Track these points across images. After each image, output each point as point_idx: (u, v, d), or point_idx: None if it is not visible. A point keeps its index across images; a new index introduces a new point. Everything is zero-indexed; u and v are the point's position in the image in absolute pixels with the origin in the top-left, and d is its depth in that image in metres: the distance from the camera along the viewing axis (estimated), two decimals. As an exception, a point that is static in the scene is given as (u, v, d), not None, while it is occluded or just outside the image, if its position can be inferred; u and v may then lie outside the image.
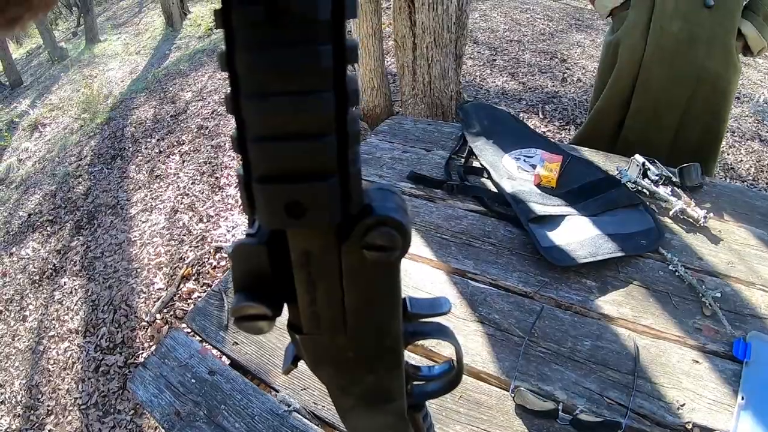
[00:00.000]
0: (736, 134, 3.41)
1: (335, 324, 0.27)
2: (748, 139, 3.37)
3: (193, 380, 0.99)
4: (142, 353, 2.29)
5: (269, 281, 0.24)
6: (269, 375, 0.97)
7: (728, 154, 3.24)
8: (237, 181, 0.22)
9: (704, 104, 1.70)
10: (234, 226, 2.91)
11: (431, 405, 0.91)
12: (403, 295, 0.29)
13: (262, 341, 1.03)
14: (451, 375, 0.37)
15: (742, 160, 3.20)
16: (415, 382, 0.37)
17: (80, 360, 2.37)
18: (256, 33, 0.18)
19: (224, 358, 1.05)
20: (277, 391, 0.94)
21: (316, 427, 0.89)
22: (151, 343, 2.31)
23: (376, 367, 0.31)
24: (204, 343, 1.07)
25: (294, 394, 0.93)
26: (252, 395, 0.94)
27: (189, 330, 1.11)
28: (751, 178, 3.07)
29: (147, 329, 2.39)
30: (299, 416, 0.90)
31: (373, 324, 0.28)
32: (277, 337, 1.03)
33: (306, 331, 0.27)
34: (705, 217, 1.24)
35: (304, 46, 0.18)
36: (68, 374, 2.33)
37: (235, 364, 1.01)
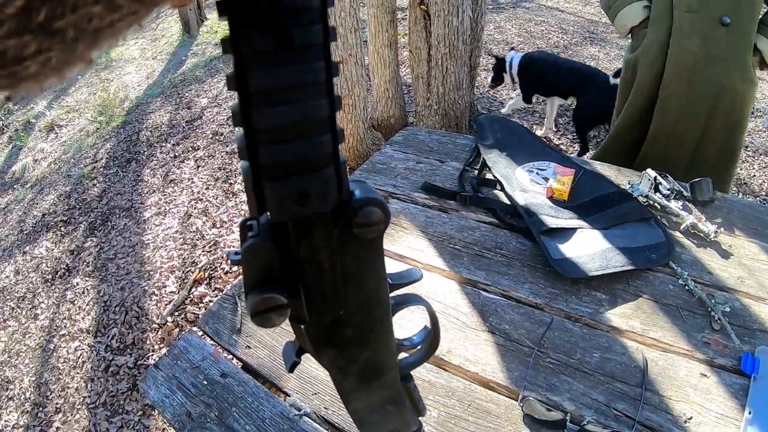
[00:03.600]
0: (749, 149, 3.39)
1: (336, 301, 0.31)
2: (761, 154, 3.35)
3: (205, 382, 1.00)
4: (152, 355, 2.31)
5: (279, 274, 0.28)
6: (281, 379, 0.99)
7: (741, 169, 3.22)
8: (244, 186, 0.26)
9: (723, 120, 1.71)
10: (247, 231, 2.94)
11: (441, 412, 0.92)
12: None
13: (274, 345, 1.04)
14: (430, 338, 0.41)
15: (755, 175, 3.19)
16: (401, 355, 0.40)
17: (90, 359, 2.39)
18: (266, 58, 0.22)
19: (236, 361, 1.06)
20: (288, 395, 0.96)
21: (325, 431, 0.90)
22: (161, 346, 2.33)
23: (371, 340, 0.35)
24: (217, 347, 1.08)
25: (305, 399, 0.95)
26: (263, 398, 0.96)
27: (202, 333, 1.13)
28: (764, 193, 3.05)
29: (158, 332, 2.41)
30: (309, 420, 0.92)
31: (366, 295, 0.32)
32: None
33: (309, 318, 0.31)
34: (715, 232, 1.24)
35: (305, 65, 0.23)
36: (78, 373, 2.35)
37: (247, 367, 1.03)
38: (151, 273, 2.78)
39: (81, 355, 2.43)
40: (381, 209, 0.27)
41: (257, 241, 0.27)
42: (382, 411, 0.41)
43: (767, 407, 0.93)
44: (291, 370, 0.36)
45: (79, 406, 2.20)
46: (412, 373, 0.41)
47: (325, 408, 0.94)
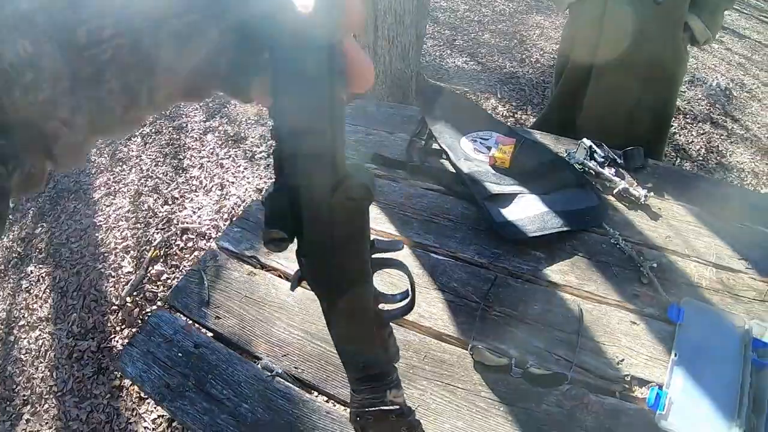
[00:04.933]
0: (688, 116, 3.53)
1: (329, 250, 0.40)
2: (699, 122, 3.50)
3: (179, 354, 1.06)
4: (114, 337, 2.31)
5: (287, 217, 0.37)
6: (251, 345, 1.05)
7: (680, 136, 3.36)
8: (272, 160, 0.35)
9: (654, 94, 1.81)
10: (199, 207, 2.91)
11: (400, 364, 1.01)
12: (372, 237, 0.42)
13: (242, 314, 1.10)
14: (408, 300, 0.50)
15: (693, 141, 3.33)
16: (382, 305, 0.49)
17: (53, 347, 2.37)
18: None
19: (208, 332, 1.11)
20: (259, 358, 1.03)
21: (297, 388, 0.98)
22: (123, 327, 2.33)
23: (355, 284, 0.44)
24: (188, 320, 1.13)
25: (276, 361, 1.02)
26: (237, 364, 1.02)
27: (171, 308, 1.18)
28: (701, 158, 3.19)
29: (118, 313, 2.40)
30: (282, 380, 0.99)
31: (352, 250, 0.40)
32: (257, 310, 1.11)
33: (309, 256, 0.41)
34: (646, 196, 1.35)
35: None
36: (41, 362, 2.33)
37: (218, 336, 1.09)
38: (106, 255, 2.74)
39: (43, 344, 2.40)
40: (366, 192, 0.36)
41: (277, 190, 0.36)
42: (357, 343, 0.50)
43: (690, 351, 1.06)
44: (292, 288, 0.46)
45: (46, 396, 2.18)
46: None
47: (295, 367, 1.01)
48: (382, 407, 0.55)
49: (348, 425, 0.93)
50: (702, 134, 3.39)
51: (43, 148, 0.22)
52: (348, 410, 0.96)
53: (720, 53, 4.44)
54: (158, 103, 0.25)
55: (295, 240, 0.39)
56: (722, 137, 3.39)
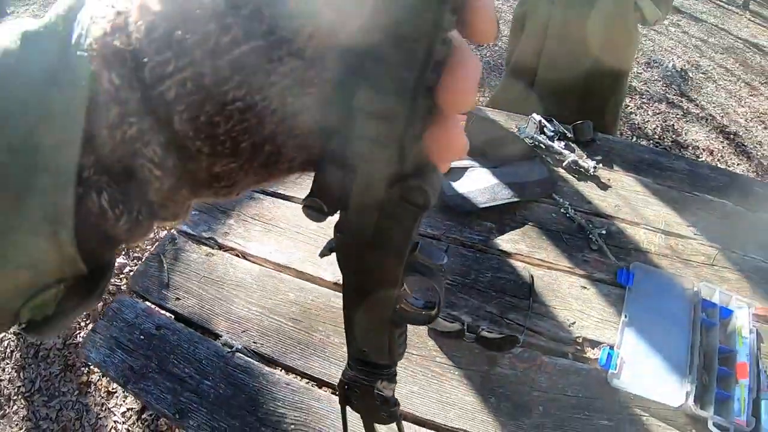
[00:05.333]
0: (644, 96, 3.62)
1: (366, 240, 0.36)
2: (656, 101, 3.59)
3: (141, 337, 1.06)
4: (80, 333, 2.29)
5: (334, 192, 0.34)
6: (211, 323, 1.07)
7: (636, 115, 3.45)
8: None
9: (606, 72, 1.85)
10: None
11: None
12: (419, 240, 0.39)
13: (201, 294, 1.12)
14: (434, 312, 0.45)
15: (649, 121, 3.42)
16: (402, 305, 0.45)
17: (18, 348, 2.34)
18: None
19: (168, 313, 1.12)
20: (219, 336, 1.04)
21: (257, 363, 1.00)
22: (88, 322, 2.31)
23: (383, 284, 0.41)
24: (148, 303, 1.14)
25: (235, 337, 1.04)
26: (198, 342, 1.04)
27: (132, 293, 1.18)
28: (657, 136, 3.29)
29: (83, 309, 2.39)
30: (241, 355, 1.01)
31: (391, 250, 0.37)
32: (216, 289, 1.12)
33: (346, 236, 0.37)
34: (595, 167, 1.40)
35: None
36: (8, 364, 2.30)
37: (179, 317, 1.10)
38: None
39: (8, 345, 2.37)
40: (424, 200, 0.31)
41: (330, 161, 0.33)
42: (364, 333, 0.50)
43: (640, 313, 1.11)
44: (321, 255, 0.42)
45: (15, 397, 2.16)
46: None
47: (254, 342, 1.03)
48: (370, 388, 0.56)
49: (306, 395, 0.96)
50: (658, 114, 3.48)
51: (140, 195, 0.21)
52: (305, 381, 0.99)
53: (677, 36, 4.55)
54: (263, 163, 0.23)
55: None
56: (678, 116, 3.48)
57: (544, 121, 1.50)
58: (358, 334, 0.51)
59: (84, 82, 0.19)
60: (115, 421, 1.93)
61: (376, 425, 0.62)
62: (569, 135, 1.52)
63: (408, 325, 0.51)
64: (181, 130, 0.20)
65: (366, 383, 0.55)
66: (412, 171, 0.29)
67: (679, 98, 3.69)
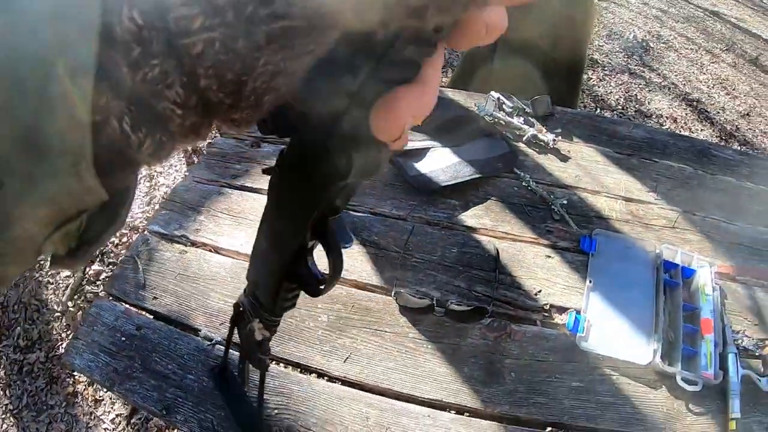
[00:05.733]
0: (606, 68, 3.66)
1: (293, 178, 0.39)
2: (618, 73, 3.64)
3: (123, 339, 1.08)
4: (62, 344, 2.28)
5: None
6: (189, 318, 1.09)
7: (599, 87, 3.49)
8: None
9: (566, 46, 1.88)
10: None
11: (330, 316, 1.08)
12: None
13: (177, 291, 1.14)
14: (320, 286, 0.46)
15: (611, 92, 3.46)
16: (302, 267, 0.46)
17: (2, 365, 2.33)
18: None
19: (147, 313, 1.13)
20: (198, 330, 1.07)
21: (237, 352, 1.03)
22: (69, 332, 2.31)
23: (286, 227, 0.44)
24: (126, 305, 1.15)
25: (214, 330, 1.06)
26: (178, 339, 1.06)
27: (109, 296, 1.20)
28: (620, 107, 3.34)
29: (62, 319, 2.36)
30: (222, 347, 1.03)
31: (305, 198, 0.39)
32: (192, 285, 1.14)
33: (282, 167, 0.39)
34: (554, 140, 1.44)
35: None
36: (-8, 382, 2.29)
37: (158, 316, 1.11)
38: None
39: (-10, 363, 2.36)
40: (346, 164, 0.32)
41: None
42: (259, 265, 0.51)
43: (604, 277, 1.16)
44: (264, 172, 0.44)
45: (3, 415, 2.15)
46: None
47: (232, 333, 1.06)
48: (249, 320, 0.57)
49: (286, 379, 0.99)
50: (620, 84, 3.53)
51: (162, 127, 0.21)
52: (282, 365, 1.02)
53: (637, 7, 4.60)
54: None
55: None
56: (640, 86, 3.54)
57: (502, 98, 1.54)
58: (255, 264, 0.52)
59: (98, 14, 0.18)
60: (105, 429, 1.94)
61: (248, 366, 0.63)
62: (528, 110, 1.55)
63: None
64: (205, 83, 0.20)
65: (248, 313, 0.58)
66: (350, 137, 0.29)
67: (641, 68, 3.75)
